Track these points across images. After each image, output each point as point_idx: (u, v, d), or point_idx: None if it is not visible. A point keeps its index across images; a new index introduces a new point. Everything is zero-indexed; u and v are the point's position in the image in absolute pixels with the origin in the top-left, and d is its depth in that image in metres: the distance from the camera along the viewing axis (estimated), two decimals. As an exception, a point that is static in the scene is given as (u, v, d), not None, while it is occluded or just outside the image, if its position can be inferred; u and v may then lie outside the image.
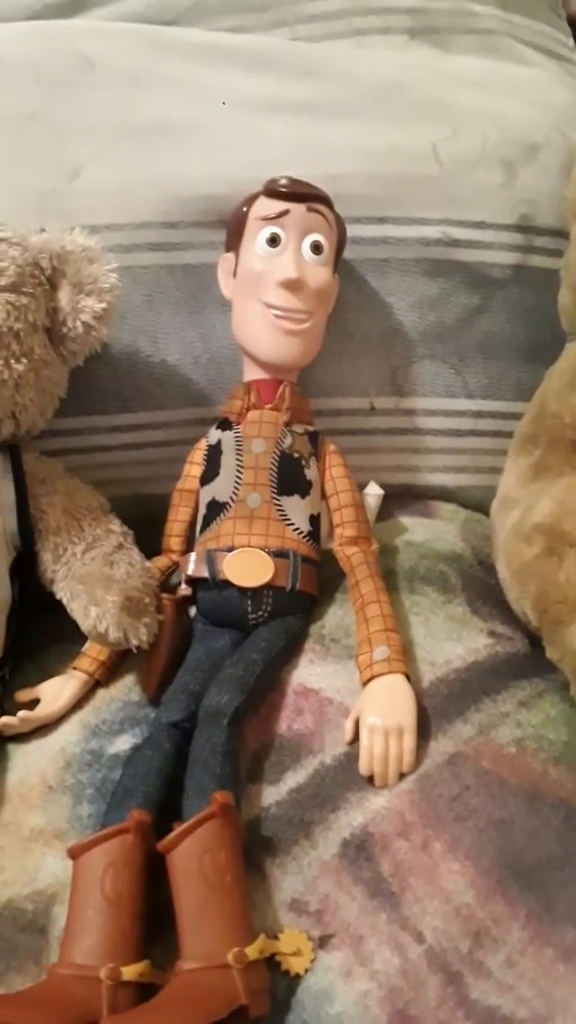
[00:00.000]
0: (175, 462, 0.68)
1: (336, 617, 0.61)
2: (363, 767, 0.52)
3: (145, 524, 0.65)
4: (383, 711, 0.53)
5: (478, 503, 0.73)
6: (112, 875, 0.46)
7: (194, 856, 0.46)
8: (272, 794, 0.52)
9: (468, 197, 0.72)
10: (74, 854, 0.47)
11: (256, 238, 0.64)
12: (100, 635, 0.56)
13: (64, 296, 0.60)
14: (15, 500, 0.60)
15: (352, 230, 0.69)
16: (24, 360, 0.59)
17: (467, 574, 0.65)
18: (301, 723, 0.55)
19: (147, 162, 0.70)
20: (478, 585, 0.64)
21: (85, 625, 0.57)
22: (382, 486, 0.69)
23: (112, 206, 0.69)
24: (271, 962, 0.45)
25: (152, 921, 0.46)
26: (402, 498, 0.74)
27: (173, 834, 0.46)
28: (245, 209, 0.65)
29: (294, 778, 0.53)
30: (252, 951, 0.44)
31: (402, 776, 0.52)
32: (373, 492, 0.67)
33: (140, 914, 0.46)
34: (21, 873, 0.50)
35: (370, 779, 0.52)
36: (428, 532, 0.70)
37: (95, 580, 0.57)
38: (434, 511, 0.74)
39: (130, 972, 0.43)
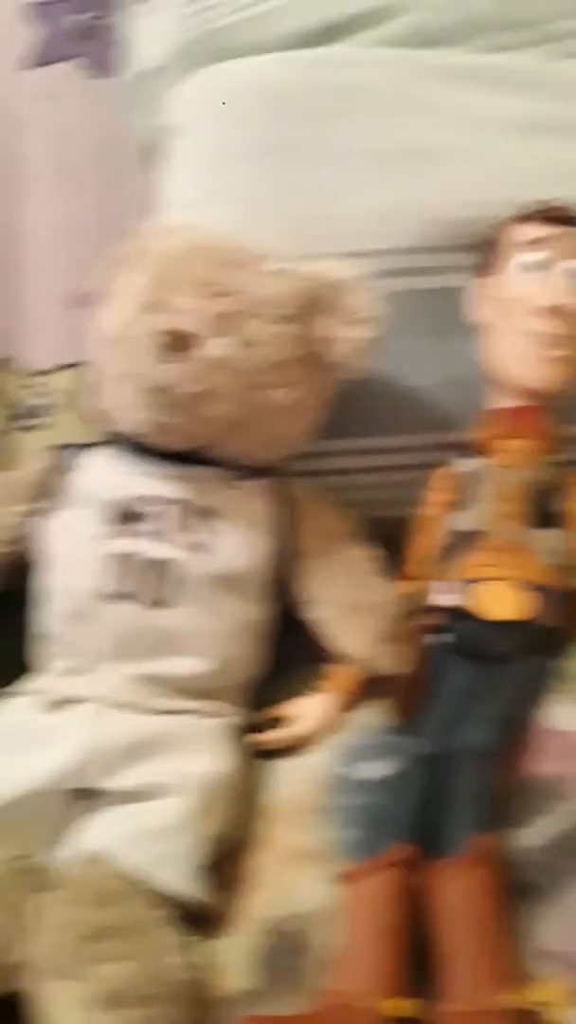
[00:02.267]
0: (414, 486, 0.69)
1: None
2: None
3: (379, 547, 0.66)
4: None
5: None
6: (382, 907, 0.47)
7: (458, 898, 0.47)
8: (529, 838, 0.51)
9: None
10: (344, 882, 0.49)
11: (516, 263, 0.64)
12: (363, 662, 0.58)
13: (330, 326, 0.62)
14: (280, 521, 0.63)
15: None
16: (291, 390, 0.61)
17: None
18: (552, 767, 0.54)
19: (403, 188, 0.71)
20: None
21: (349, 651, 0.59)
22: None
23: (368, 232, 0.70)
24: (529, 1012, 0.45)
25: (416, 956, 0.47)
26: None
27: (437, 874, 0.47)
28: (502, 234, 0.65)
29: (550, 824, 0.52)
30: (517, 999, 0.44)
31: None
32: None
33: (408, 948, 0.47)
34: (283, 892, 0.52)
35: None
36: None
37: (356, 607, 0.59)
38: None
39: (405, 1008, 0.44)
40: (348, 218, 0.70)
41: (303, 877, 0.52)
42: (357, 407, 0.71)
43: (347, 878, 0.49)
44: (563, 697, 0.58)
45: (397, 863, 0.48)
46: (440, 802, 0.51)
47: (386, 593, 0.61)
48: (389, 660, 0.58)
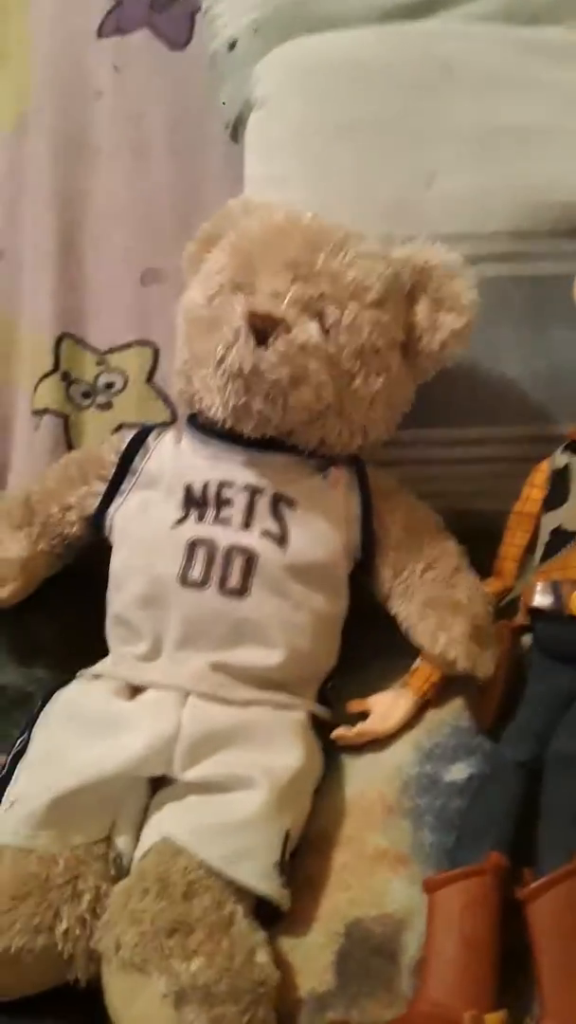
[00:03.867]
0: (501, 479, 0.67)
1: None
2: None
3: (462, 540, 0.65)
4: None
5: None
6: (471, 915, 0.47)
7: (557, 911, 0.46)
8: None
9: None
10: (430, 887, 0.48)
11: None
12: (449, 662, 0.57)
13: (423, 312, 0.61)
14: (361, 512, 0.62)
15: None
16: (382, 377, 0.60)
17: None
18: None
19: (502, 169, 0.70)
20: None
21: (434, 650, 0.58)
22: None
23: (464, 215, 0.69)
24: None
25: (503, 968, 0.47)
26: None
27: (535, 885, 0.47)
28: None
29: None
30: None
31: None
32: None
33: (497, 959, 0.46)
34: (368, 893, 0.52)
35: None
36: None
37: (442, 604, 0.58)
38: None
39: (493, 1020, 0.44)
40: (444, 199, 0.69)
41: (386, 878, 0.52)
42: (444, 395, 0.69)
43: (436, 883, 0.48)
44: None
45: (489, 871, 0.47)
46: (535, 812, 0.50)
47: (474, 590, 0.60)
48: (475, 661, 0.57)
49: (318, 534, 0.60)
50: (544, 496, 0.64)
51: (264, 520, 0.60)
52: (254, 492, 0.61)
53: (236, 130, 0.81)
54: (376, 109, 0.71)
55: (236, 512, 0.60)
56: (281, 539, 0.60)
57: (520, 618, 0.62)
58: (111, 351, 0.82)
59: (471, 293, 0.61)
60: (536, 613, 0.60)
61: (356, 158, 0.71)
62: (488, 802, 0.52)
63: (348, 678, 0.64)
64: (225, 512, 0.60)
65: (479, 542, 0.66)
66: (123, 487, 0.64)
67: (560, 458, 0.64)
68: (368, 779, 0.58)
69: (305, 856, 0.54)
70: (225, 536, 0.59)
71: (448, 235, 0.67)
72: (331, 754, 0.60)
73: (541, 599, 0.60)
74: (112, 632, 0.62)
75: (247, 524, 0.60)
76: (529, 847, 0.50)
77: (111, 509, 0.64)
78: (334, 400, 0.59)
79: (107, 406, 0.81)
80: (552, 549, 0.61)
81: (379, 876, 0.52)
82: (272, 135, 0.77)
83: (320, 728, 0.60)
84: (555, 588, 0.59)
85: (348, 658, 0.65)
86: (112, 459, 0.65)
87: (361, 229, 0.64)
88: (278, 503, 0.61)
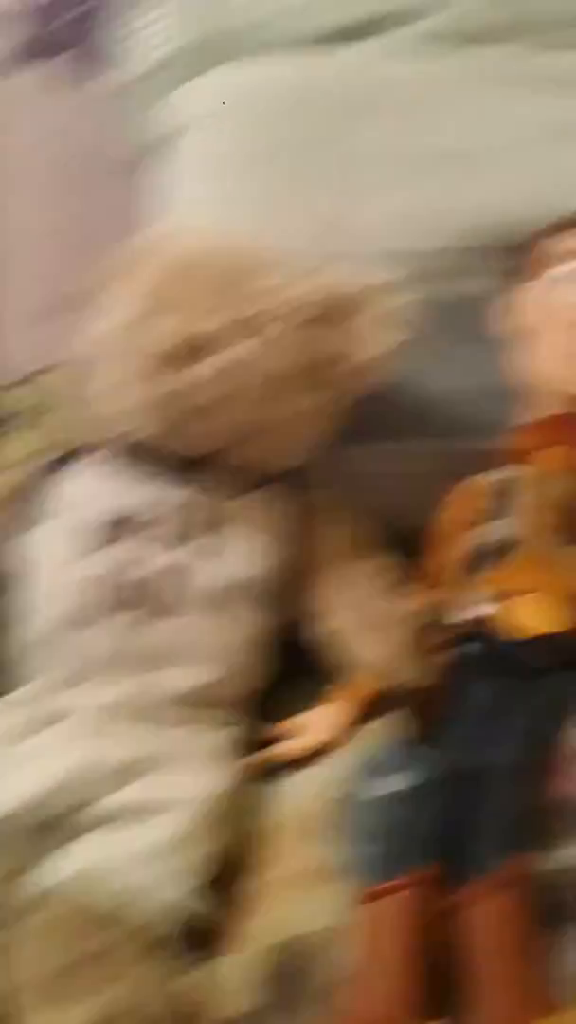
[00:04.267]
0: (438, 494, 0.68)
1: None
2: None
3: (400, 554, 0.66)
4: None
5: None
6: (405, 927, 0.46)
7: (490, 921, 0.46)
8: (560, 861, 0.50)
9: None
10: (364, 900, 0.48)
11: (555, 273, 0.64)
12: (385, 675, 0.57)
13: (356, 330, 0.62)
14: (287, 530, 0.63)
15: None
16: (310, 396, 0.61)
17: None
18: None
19: (433, 191, 0.71)
20: None
21: (365, 662, 0.58)
22: None
23: (397, 235, 0.70)
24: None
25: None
26: None
27: (468, 894, 0.47)
28: (541, 241, 0.65)
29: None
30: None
31: None
32: None
33: (430, 969, 0.46)
34: (302, 910, 0.51)
35: None
36: None
37: (379, 617, 0.58)
38: None
39: (429, 1030, 0.44)
40: (372, 221, 0.70)
41: (313, 896, 0.51)
42: (380, 411, 0.70)
43: (370, 896, 0.48)
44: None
45: (418, 883, 0.47)
46: (466, 821, 0.50)
47: (405, 604, 0.60)
48: (409, 672, 0.57)
49: (249, 551, 0.61)
50: (473, 511, 0.65)
51: (192, 539, 0.60)
52: (181, 511, 0.61)
53: (148, 158, 0.81)
54: (307, 131, 0.72)
55: (168, 531, 0.60)
56: (210, 557, 0.60)
57: (454, 631, 0.62)
58: (24, 378, 0.81)
59: (399, 313, 0.62)
60: (469, 626, 0.61)
61: (286, 182, 0.72)
62: (424, 812, 0.51)
63: (286, 691, 0.64)
64: (157, 531, 0.60)
65: (416, 555, 0.67)
66: (31, 515, 0.63)
67: (497, 472, 0.65)
68: (303, 795, 0.57)
69: (237, 876, 0.53)
70: (157, 556, 0.59)
71: (382, 254, 0.69)
72: (267, 771, 0.59)
73: (470, 611, 0.61)
74: (26, 661, 0.61)
75: (180, 543, 0.60)
76: (465, 856, 0.50)
77: (17, 539, 0.62)
78: (268, 418, 0.60)
79: (17, 433, 0.79)
80: (486, 562, 0.62)
81: (313, 892, 0.51)
82: (198, 161, 0.78)
83: (256, 745, 0.59)
84: (491, 600, 0.60)
85: (286, 671, 0.64)
86: (18, 487, 0.64)
87: (295, 250, 0.65)
88: (207, 521, 0.61)
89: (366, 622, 0.60)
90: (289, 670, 0.65)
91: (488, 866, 0.48)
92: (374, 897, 0.48)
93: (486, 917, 0.46)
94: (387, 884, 0.48)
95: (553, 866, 0.50)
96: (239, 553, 0.60)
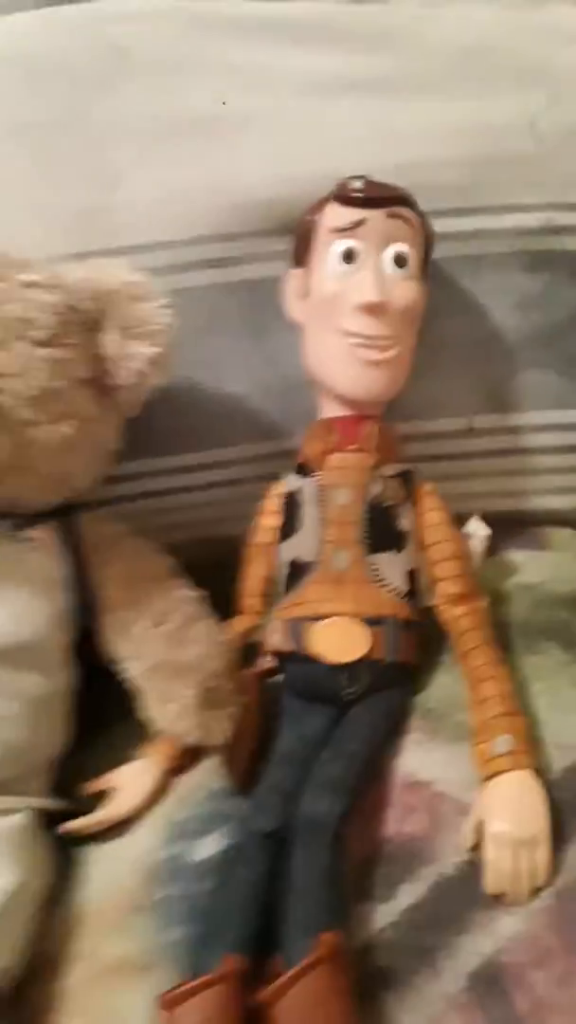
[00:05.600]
0: (246, 501, 0.63)
1: (444, 687, 0.56)
2: (490, 886, 0.46)
3: (216, 569, 0.60)
4: (511, 818, 0.47)
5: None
6: (208, 1035, 0.42)
7: (303, 1008, 0.41)
8: (386, 914, 0.47)
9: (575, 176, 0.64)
10: (165, 1007, 0.43)
11: (328, 253, 0.57)
12: (178, 735, 0.52)
13: (110, 342, 0.54)
14: (72, 572, 0.56)
15: (439, 225, 0.62)
16: (70, 421, 0.53)
17: (596, 621, 0.59)
18: (412, 824, 0.50)
19: (196, 165, 0.63)
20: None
21: (161, 723, 0.52)
22: (485, 515, 0.63)
23: (159, 220, 0.63)
24: None
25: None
26: (508, 526, 0.67)
27: (277, 984, 0.42)
28: (314, 217, 0.59)
29: (410, 893, 0.47)
30: None
31: (537, 892, 0.46)
32: (478, 533, 0.61)
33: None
34: (103, 1016, 0.46)
35: (499, 894, 0.46)
36: (543, 569, 0.63)
37: (168, 669, 0.53)
38: (547, 540, 0.67)
39: None
40: (134, 205, 0.63)
41: (125, 993, 0.46)
42: (167, 421, 0.64)
43: (170, 1002, 0.43)
44: (419, 739, 0.54)
45: (226, 978, 0.43)
46: (280, 891, 0.46)
47: (208, 644, 0.54)
48: (206, 730, 0.52)
49: (18, 608, 0.53)
50: (280, 523, 0.60)
51: None
52: None
53: None
54: (48, 106, 0.63)
55: None
56: None
57: (265, 661, 0.57)
58: None
59: (163, 315, 0.55)
60: (280, 654, 0.57)
61: (31, 165, 0.63)
62: (231, 887, 0.47)
63: (87, 752, 0.57)
64: None
65: (228, 571, 0.62)
66: None
67: (291, 480, 0.60)
68: (110, 873, 0.52)
69: (29, 985, 0.47)
70: None
71: (144, 245, 0.62)
72: (70, 849, 0.53)
73: (281, 640, 0.56)
74: None
75: None
76: (277, 936, 0.45)
77: None
78: (14, 455, 0.52)
79: None
80: (289, 583, 0.57)
81: (117, 992, 0.46)
82: None
83: (55, 820, 0.53)
84: (294, 627, 0.55)
85: (86, 729, 0.58)
86: None
87: (45, 246, 0.58)
88: None
89: (158, 674, 0.54)
90: (101, 718, 0.59)
91: (300, 945, 0.43)
92: (176, 1002, 0.42)
93: (296, 1007, 0.41)
94: (188, 986, 0.43)
95: (379, 924, 0.46)
96: (7, 613, 0.53)
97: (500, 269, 0.65)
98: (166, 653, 0.53)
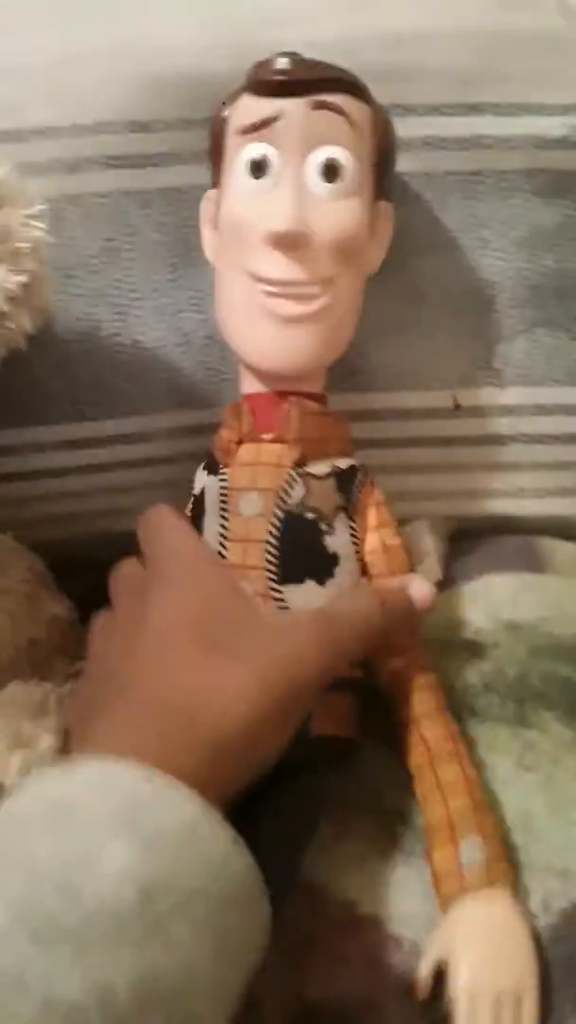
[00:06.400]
0: (162, 487, 0.50)
1: (389, 769, 0.40)
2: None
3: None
4: (487, 961, 0.33)
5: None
6: None
7: None
8: None
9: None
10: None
11: (236, 163, 0.41)
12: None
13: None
14: None
15: (423, 127, 0.46)
16: None
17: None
18: (347, 982, 0.35)
19: (98, 25, 0.47)
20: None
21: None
22: (468, 519, 0.51)
23: (46, 97, 0.46)
24: None
25: None
26: (497, 536, 0.53)
27: None
28: (225, 113, 0.43)
29: None
30: None
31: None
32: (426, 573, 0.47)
33: None
34: None
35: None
36: (540, 603, 0.48)
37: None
38: (545, 559, 0.52)
39: None
40: (11, 76, 0.46)
41: None
42: (51, 380, 0.49)
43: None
44: (354, 847, 0.38)
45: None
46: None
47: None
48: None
49: None
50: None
51: None
52: None
53: None
54: None
55: None
56: None
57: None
58: None
59: (33, 229, 0.38)
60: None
61: None
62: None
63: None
64: None
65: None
66: None
67: (199, 478, 0.43)
68: None
69: None
70: None
71: (26, 130, 0.46)
72: None
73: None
74: None
75: None
76: None
77: None
78: None
79: None
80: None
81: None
82: None
83: None
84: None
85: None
86: None
87: None
88: None
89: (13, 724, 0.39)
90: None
91: None
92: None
93: None
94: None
95: None
96: None
97: (504, 192, 0.48)
98: (12, 725, 0.38)
